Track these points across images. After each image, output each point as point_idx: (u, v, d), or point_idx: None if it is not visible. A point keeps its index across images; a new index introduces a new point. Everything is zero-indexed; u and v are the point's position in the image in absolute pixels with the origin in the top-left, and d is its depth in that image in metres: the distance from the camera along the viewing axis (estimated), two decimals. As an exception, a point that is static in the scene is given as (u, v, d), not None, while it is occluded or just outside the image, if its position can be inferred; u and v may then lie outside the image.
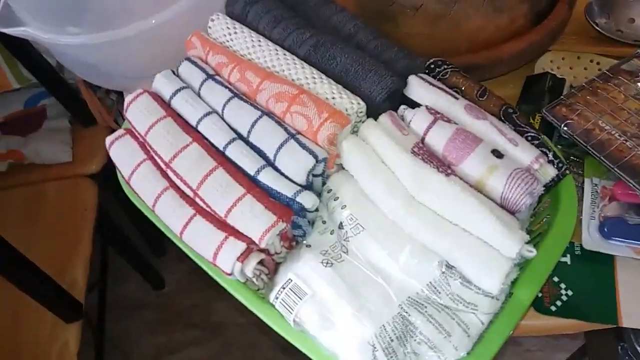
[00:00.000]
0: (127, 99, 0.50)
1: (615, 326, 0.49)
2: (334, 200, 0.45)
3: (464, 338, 0.38)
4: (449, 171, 0.45)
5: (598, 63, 0.62)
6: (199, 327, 1.25)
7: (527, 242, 0.40)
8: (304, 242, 0.45)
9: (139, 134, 0.49)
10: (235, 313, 1.24)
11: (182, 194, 0.45)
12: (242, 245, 0.41)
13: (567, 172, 0.45)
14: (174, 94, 0.49)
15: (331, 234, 0.45)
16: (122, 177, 0.49)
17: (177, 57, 0.52)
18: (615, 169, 0.49)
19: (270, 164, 0.45)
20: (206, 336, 1.23)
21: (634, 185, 0.48)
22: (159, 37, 0.56)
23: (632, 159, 0.50)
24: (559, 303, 0.49)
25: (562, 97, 0.55)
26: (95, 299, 1.06)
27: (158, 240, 1.32)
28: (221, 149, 0.46)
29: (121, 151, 0.49)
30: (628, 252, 0.50)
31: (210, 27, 0.54)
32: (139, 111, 0.49)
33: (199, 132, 0.47)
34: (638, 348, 0.73)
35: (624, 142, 0.51)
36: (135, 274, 1.26)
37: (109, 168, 0.48)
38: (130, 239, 1.18)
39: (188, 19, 0.56)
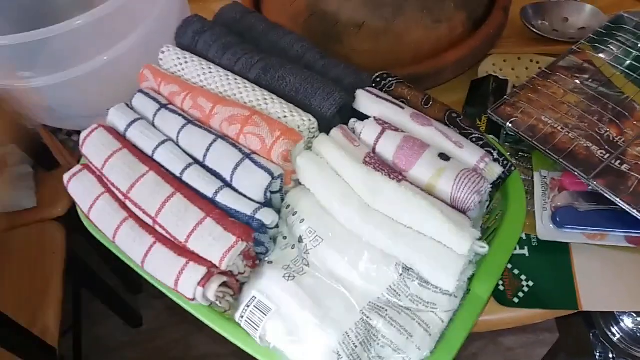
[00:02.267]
0: (82, 134, 0.50)
1: (576, 311, 0.50)
2: (293, 215, 0.46)
3: (426, 337, 0.39)
4: (400, 177, 0.46)
5: (538, 62, 0.65)
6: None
7: (480, 239, 0.42)
8: (266, 259, 0.46)
9: (96, 168, 0.49)
10: (215, 345, 1.23)
11: (142, 223, 0.46)
12: (202, 270, 0.42)
13: (513, 168, 0.47)
14: (129, 125, 0.50)
15: (292, 248, 0.46)
16: (82, 211, 0.49)
17: (131, 92, 0.53)
18: (561, 160, 0.51)
19: (227, 184, 0.46)
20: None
21: (579, 174, 0.51)
22: (112, 73, 0.57)
23: (576, 149, 0.52)
24: (521, 294, 0.51)
25: (505, 97, 0.57)
26: (72, 342, 1.04)
27: (133, 277, 1.31)
28: (178, 175, 0.47)
29: (79, 186, 0.49)
30: (581, 238, 0.52)
31: (161, 59, 0.55)
32: (94, 146, 0.49)
33: (155, 161, 0.48)
34: (608, 333, 0.76)
35: (567, 133, 0.53)
36: (113, 314, 1.24)
37: (76, 210, 0.49)
38: (103, 279, 1.17)
39: (139, 53, 0.57)
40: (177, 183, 0.46)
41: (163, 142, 0.49)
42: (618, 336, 0.76)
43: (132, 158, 0.48)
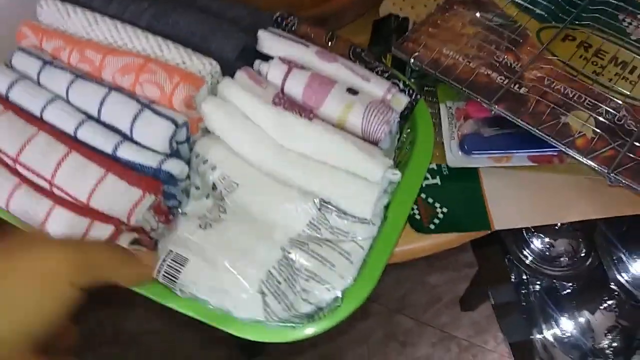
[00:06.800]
0: (-44, 101, 0.45)
1: (489, 232, 0.53)
2: (204, 163, 0.44)
3: (348, 265, 0.39)
4: (311, 115, 0.45)
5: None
6: (110, 344, 1.18)
7: (393, 168, 0.42)
8: (180, 211, 0.44)
9: (-24, 135, 0.44)
10: (142, 322, 1.19)
11: (38, 188, 0.42)
12: (109, 228, 0.39)
13: (419, 97, 0.48)
14: (10, 86, 0.45)
15: (207, 198, 0.44)
16: (-33, 185, 0.44)
17: (5, 54, 0.48)
18: (464, 89, 0.53)
19: (128, 138, 0.43)
20: (119, 352, 1.17)
21: (482, 100, 0.52)
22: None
23: (476, 77, 0.54)
24: (436, 221, 0.53)
25: (407, 33, 0.58)
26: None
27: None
28: (72, 133, 0.43)
29: (-41, 158, 0.44)
30: (488, 162, 0.54)
31: (40, 15, 0.50)
32: (-29, 111, 0.44)
33: (45, 121, 0.44)
34: (521, 256, 0.81)
35: (467, 63, 0.55)
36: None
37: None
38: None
39: (10, 10, 0.52)
40: (72, 142, 0.43)
41: (51, 100, 0.44)
42: (530, 258, 0.82)
43: (19, 120, 0.44)
